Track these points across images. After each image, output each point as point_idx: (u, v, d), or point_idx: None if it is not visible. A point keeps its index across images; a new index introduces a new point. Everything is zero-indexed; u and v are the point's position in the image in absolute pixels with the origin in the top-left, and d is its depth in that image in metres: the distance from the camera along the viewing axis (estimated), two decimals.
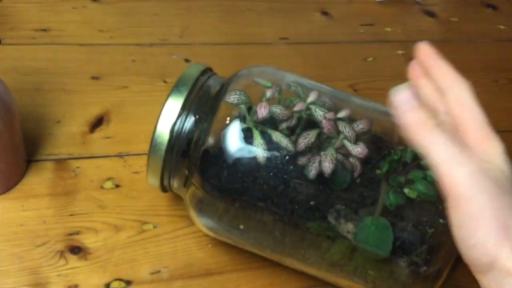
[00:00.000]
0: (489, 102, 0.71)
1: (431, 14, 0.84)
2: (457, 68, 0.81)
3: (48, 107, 0.58)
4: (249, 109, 0.45)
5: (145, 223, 0.52)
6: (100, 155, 0.55)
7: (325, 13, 0.79)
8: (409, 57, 0.76)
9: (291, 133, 0.45)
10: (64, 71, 0.62)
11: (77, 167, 0.54)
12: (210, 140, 0.44)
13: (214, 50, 0.69)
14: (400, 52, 0.76)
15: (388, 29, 0.79)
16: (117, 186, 0.54)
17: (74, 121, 0.58)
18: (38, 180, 0.52)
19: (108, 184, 0.54)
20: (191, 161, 0.45)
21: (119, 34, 0.67)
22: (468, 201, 0.33)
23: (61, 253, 0.48)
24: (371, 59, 0.74)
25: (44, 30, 0.66)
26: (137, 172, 0.55)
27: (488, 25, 0.84)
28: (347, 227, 0.44)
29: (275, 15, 0.76)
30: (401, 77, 0.72)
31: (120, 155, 0.56)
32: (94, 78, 0.62)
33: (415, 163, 0.45)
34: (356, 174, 0.44)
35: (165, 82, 0.63)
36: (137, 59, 0.65)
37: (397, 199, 0.44)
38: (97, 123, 0.58)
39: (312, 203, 0.44)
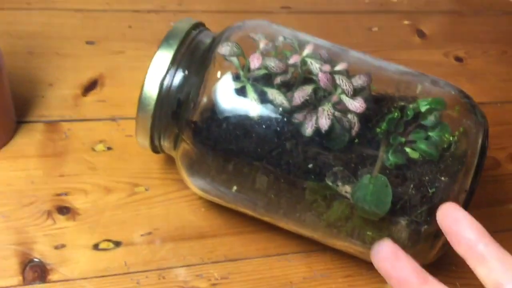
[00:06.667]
0: (498, 72, 0.70)
1: None
2: (466, 39, 0.79)
3: (41, 70, 0.57)
4: (243, 66, 0.43)
5: (137, 185, 0.50)
6: (93, 118, 0.54)
7: None
8: (415, 27, 0.74)
9: (288, 91, 0.43)
10: (59, 35, 0.61)
11: (68, 129, 0.52)
12: (201, 96, 0.43)
13: (214, 18, 0.67)
14: (406, 22, 0.74)
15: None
16: (109, 148, 0.52)
17: (67, 84, 0.56)
18: (27, 141, 0.51)
19: (100, 147, 0.52)
20: (182, 117, 0.43)
21: (116, 0, 0.66)
22: None
23: (49, 213, 0.47)
24: (376, 29, 0.72)
25: None
26: (130, 136, 0.53)
27: None
28: (345, 189, 0.42)
29: None
30: (407, 47, 0.71)
31: (113, 119, 0.54)
32: (89, 42, 0.61)
33: (416, 123, 0.43)
34: (354, 132, 0.42)
35: None
36: (134, 26, 0.64)
37: (397, 159, 0.42)
38: (91, 86, 0.57)
39: (310, 165, 0.42)
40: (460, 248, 0.32)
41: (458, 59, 0.71)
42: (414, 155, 0.42)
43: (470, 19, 0.77)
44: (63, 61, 0.58)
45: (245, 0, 0.71)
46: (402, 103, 0.44)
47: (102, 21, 0.63)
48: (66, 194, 0.48)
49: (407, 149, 0.42)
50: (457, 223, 0.32)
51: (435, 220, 0.36)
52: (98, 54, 0.60)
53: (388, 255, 0.32)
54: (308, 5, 0.72)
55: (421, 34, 0.73)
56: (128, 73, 0.59)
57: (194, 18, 0.66)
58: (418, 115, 0.43)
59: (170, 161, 0.52)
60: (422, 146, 0.42)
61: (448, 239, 0.33)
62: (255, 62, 0.41)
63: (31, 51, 0.58)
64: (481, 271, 0.30)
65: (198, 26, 0.46)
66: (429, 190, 0.42)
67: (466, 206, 0.40)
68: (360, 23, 0.72)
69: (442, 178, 0.41)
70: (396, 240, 0.39)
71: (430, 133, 0.43)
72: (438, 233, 0.41)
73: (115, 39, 0.62)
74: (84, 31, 0.62)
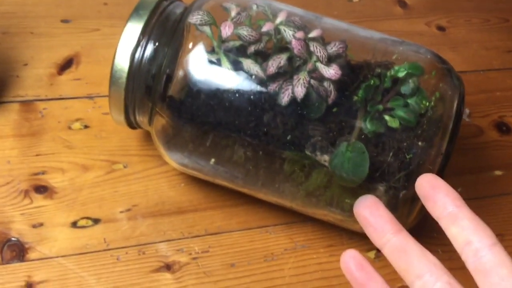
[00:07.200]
0: (480, 41, 0.70)
1: None
2: (448, 8, 0.78)
3: (16, 50, 0.56)
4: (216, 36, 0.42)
5: (115, 162, 0.49)
6: (69, 97, 0.53)
7: None
8: None
9: (264, 61, 0.42)
10: (33, 14, 0.59)
11: (44, 109, 0.52)
12: (174, 67, 0.42)
13: None
14: None
15: None
16: (85, 127, 0.51)
17: (42, 64, 0.55)
18: (3, 121, 0.50)
19: (76, 125, 0.51)
20: (155, 90, 0.42)
21: None
22: None
23: (26, 193, 0.46)
24: (356, 0, 0.71)
25: None
26: (107, 113, 0.52)
27: None
28: (324, 158, 0.42)
29: None
30: (389, 17, 0.70)
31: (89, 97, 0.54)
32: (64, 21, 0.60)
33: (394, 90, 0.43)
34: (330, 100, 0.41)
35: None
36: (109, 2, 0.63)
37: (375, 126, 0.42)
38: (66, 65, 0.56)
39: (288, 136, 0.42)
40: (435, 211, 0.33)
41: (441, 28, 0.70)
42: (393, 123, 0.42)
43: None
44: (38, 41, 0.57)
45: None
46: (379, 70, 0.43)
47: None
48: (43, 173, 0.47)
49: (386, 117, 0.42)
50: (434, 189, 0.33)
51: (413, 185, 0.36)
52: (74, 32, 0.59)
53: (369, 204, 0.34)
54: None
55: (402, 4, 0.72)
56: (104, 51, 0.58)
57: None
58: (396, 81, 0.43)
59: (148, 137, 0.51)
60: (401, 113, 0.42)
61: (425, 203, 0.34)
62: (226, 29, 0.41)
63: (5, 31, 0.57)
64: (453, 230, 0.31)
65: None
66: (407, 156, 0.41)
67: (442, 169, 0.40)
68: None
69: (419, 143, 0.41)
70: None
71: (408, 100, 0.43)
72: (415, 197, 0.40)
73: (91, 17, 0.61)
74: (59, 10, 0.61)
